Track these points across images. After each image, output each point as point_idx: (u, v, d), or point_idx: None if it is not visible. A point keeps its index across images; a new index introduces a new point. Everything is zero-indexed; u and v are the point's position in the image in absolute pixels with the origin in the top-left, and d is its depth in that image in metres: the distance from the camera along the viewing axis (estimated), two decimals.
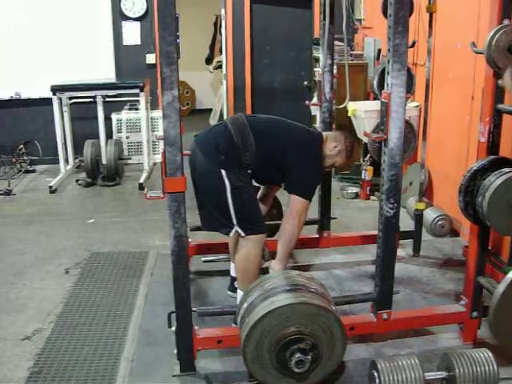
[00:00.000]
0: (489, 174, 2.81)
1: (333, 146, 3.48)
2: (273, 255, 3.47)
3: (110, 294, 3.78)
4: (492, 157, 2.92)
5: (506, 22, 2.89)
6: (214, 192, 3.24)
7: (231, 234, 3.28)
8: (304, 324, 2.58)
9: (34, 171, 7.00)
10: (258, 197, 3.77)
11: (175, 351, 2.86)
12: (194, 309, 2.88)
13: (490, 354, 2.65)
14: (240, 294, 3.29)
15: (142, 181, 6.26)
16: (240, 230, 3.24)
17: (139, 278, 4.02)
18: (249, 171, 3.27)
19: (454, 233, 4.71)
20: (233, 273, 3.68)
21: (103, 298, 3.74)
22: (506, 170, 2.78)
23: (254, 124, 3.34)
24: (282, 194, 3.68)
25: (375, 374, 2.60)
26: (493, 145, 2.98)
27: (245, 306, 2.75)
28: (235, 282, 3.58)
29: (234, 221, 3.22)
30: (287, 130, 3.47)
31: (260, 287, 2.76)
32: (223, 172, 3.17)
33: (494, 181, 2.73)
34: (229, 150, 3.22)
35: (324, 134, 3.62)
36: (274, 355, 2.60)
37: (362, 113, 5.41)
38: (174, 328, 2.82)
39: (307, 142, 3.44)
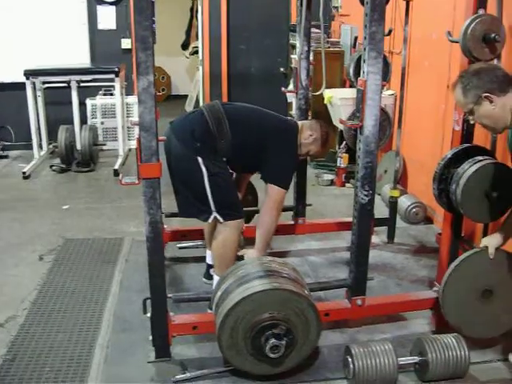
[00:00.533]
0: (462, 162, 2.84)
1: (308, 134, 3.50)
2: (248, 242, 3.48)
3: (85, 281, 3.76)
4: (466, 145, 2.95)
5: (481, 11, 2.92)
6: (191, 179, 3.22)
7: (210, 220, 3.27)
8: (277, 309, 2.60)
9: (6, 157, 6.89)
10: None
11: (150, 337, 2.85)
12: (169, 295, 2.87)
13: (462, 340, 2.70)
14: (217, 280, 3.30)
15: (116, 167, 6.22)
16: (218, 216, 3.24)
17: (114, 264, 4.00)
18: (224, 159, 3.27)
19: (428, 220, 4.77)
20: (209, 260, 3.68)
21: (78, 284, 3.72)
22: (480, 158, 2.82)
23: (230, 112, 3.33)
24: (256, 180, 3.67)
25: (349, 360, 2.64)
26: (467, 133, 3.01)
27: (219, 293, 2.76)
28: (211, 270, 3.58)
29: (213, 207, 3.21)
30: (263, 118, 3.47)
31: (233, 274, 2.77)
32: (199, 159, 3.16)
33: (468, 169, 2.76)
34: (204, 136, 3.21)
35: (299, 122, 3.63)
36: (249, 341, 2.61)
37: (338, 100, 5.41)
38: (149, 314, 2.81)
39: (283, 131, 3.45)
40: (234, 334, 2.61)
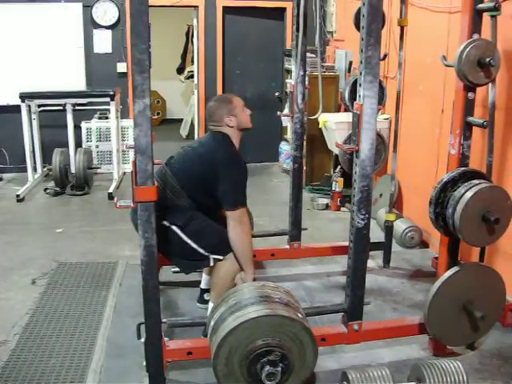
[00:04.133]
0: (459, 186, 2.84)
1: (228, 120, 3.33)
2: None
3: (78, 305, 3.72)
4: (462, 168, 2.95)
5: (475, 36, 2.94)
6: (171, 243, 3.20)
7: (212, 263, 3.26)
8: (271, 336, 2.56)
9: (1, 179, 6.89)
10: None
11: (144, 363, 2.81)
12: (163, 320, 2.84)
13: (460, 364, 2.66)
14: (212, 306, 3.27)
15: (111, 190, 6.20)
16: (216, 256, 3.23)
17: (108, 288, 3.96)
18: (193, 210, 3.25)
19: (424, 244, 4.75)
20: (203, 285, 3.66)
21: (71, 308, 3.67)
22: (475, 181, 2.82)
23: (174, 169, 3.29)
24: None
25: None
26: (463, 157, 3.02)
27: (212, 323, 2.72)
28: (205, 294, 3.55)
29: (205, 253, 3.21)
30: (194, 156, 3.34)
31: (225, 303, 2.73)
32: (166, 223, 3.15)
33: (465, 193, 2.76)
34: (161, 203, 2.96)
35: (213, 128, 3.41)
36: (245, 370, 2.56)
37: (333, 124, 5.45)
38: (143, 339, 2.77)
39: (213, 150, 3.30)
40: (229, 363, 2.56)
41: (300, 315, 2.69)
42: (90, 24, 7.10)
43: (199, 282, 3.74)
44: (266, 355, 2.55)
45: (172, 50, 10.16)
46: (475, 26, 2.99)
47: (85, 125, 7.10)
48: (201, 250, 3.20)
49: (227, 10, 7.44)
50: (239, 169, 3.28)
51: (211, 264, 3.26)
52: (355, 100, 2.79)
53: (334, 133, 5.36)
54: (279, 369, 2.55)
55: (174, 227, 3.17)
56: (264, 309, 2.60)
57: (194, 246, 3.19)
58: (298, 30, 3.74)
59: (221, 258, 3.23)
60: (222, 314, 2.67)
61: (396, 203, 5.11)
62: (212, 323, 2.71)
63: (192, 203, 3.23)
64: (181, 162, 3.38)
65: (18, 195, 6.02)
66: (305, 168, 5.73)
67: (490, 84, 3.18)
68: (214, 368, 2.58)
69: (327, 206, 5.88)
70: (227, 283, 3.25)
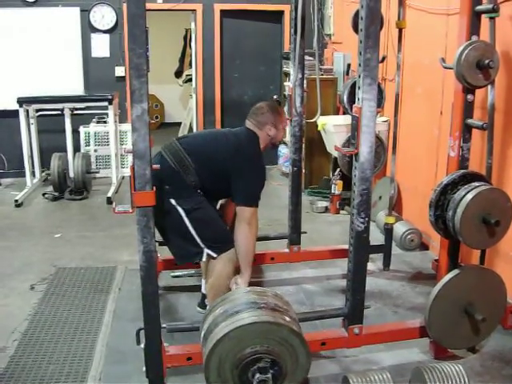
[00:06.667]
0: (459, 188, 2.83)
1: (269, 128, 3.45)
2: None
3: (77, 311, 3.70)
4: (462, 171, 2.94)
5: (474, 38, 2.94)
6: (172, 223, 3.22)
7: (204, 259, 3.26)
8: (259, 343, 2.52)
9: None
10: None
11: (144, 369, 2.79)
12: (163, 325, 2.82)
13: (461, 368, 2.66)
14: None
15: (110, 195, 6.18)
16: (210, 252, 3.23)
17: (107, 293, 3.94)
18: (199, 191, 3.25)
19: (424, 246, 4.74)
20: (204, 290, 3.63)
21: (70, 314, 3.66)
22: (476, 184, 2.81)
23: (187, 145, 3.31)
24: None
25: None
26: (462, 159, 3.01)
27: (202, 334, 2.69)
28: (206, 299, 3.53)
29: (201, 244, 3.21)
30: (221, 140, 3.40)
31: (212, 313, 2.71)
32: (172, 201, 3.16)
33: (465, 195, 2.75)
34: (170, 177, 3.18)
35: (250, 125, 3.48)
36: (238, 379, 2.53)
37: (332, 127, 5.44)
38: (142, 345, 2.76)
39: (243, 145, 3.36)
40: (221, 373, 2.53)
41: (288, 318, 2.64)
42: (88, 28, 7.10)
43: (198, 287, 3.73)
44: (256, 363, 2.51)
45: (170, 54, 10.15)
46: (474, 27, 2.98)
47: (83, 129, 7.09)
48: (198, 240, 3.20)
49: (225, 13, 7.44)
50: (262, 170, 3.39)
51: (203, 259, 3.26)
52: (354, 103, 2.78)
53: (333, 136, 5.35)
54: (270, 375, 2.52)
55: (179, 209, 3.16)
56: (249, 316, 2.54)
57: (194, 233, 3.19)
58: (295, 32, 3.73)
59: (215, 255, 3.23)
60: (210, 324, 2.65)
61: (395, 206, 5.10)
62: (202, 334, 2.69)
63: (198, 182, 3.22)
64: (199, 139, 3.45)
65: (16, 200, 6.00)
66: (304, 171, 5.71)
67: (489, 86, 3.18)
68: (206, 380, 2.55)
69: (326, 209, 5.86)
70: (222, 286, 3.25)
